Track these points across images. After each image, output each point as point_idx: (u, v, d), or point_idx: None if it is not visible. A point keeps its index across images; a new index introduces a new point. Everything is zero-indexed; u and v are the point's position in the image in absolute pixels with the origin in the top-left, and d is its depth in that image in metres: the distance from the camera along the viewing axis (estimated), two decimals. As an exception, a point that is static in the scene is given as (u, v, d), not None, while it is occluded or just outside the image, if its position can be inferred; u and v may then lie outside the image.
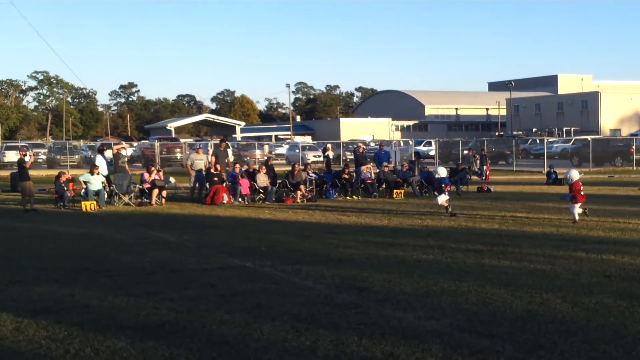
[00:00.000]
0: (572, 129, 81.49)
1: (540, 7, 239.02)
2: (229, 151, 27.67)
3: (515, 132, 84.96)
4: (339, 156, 50.75)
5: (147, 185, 22.96)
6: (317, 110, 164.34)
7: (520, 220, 17.31)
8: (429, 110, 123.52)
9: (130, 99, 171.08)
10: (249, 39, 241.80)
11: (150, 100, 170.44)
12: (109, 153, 26.64)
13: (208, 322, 7.75)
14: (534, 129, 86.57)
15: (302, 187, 24.18)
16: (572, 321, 7.69)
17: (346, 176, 25.76)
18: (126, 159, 26.07)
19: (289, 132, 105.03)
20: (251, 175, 24.70)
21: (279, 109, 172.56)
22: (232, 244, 13.85)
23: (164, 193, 23.10)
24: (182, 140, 66.04)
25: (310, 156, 51.91)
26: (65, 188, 22.52)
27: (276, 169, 27.32)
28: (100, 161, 23.57)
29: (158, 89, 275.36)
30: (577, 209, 16.53)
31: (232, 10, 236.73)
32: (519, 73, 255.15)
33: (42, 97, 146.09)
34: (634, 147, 46.42)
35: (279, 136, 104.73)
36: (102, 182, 22.34)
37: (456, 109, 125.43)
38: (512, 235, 14.49)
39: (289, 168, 27.11)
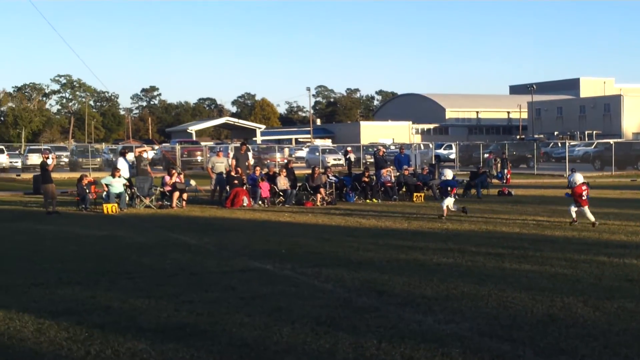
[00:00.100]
0: (594, 132, 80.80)
1: (562, 10, 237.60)
2: (250, 154, 27.81)
3: (536, 136, 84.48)
4: (359, 159, 50.72)
5: (167, 188, 23.07)
6: (337, 113, 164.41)
7: (542, 223, 17.20)
8: (449, 114, 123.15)
9: (151, 103, 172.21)
10: (269, 42, 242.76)
11: (172, 104, 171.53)
12: (130, 156, 26.82)
13: (228, 325, 7.77)
14: (555, 133, 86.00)
15: (322, 190, 24.19)
16: (593, 326, 7.63)
17: (366, 179, 25.75)
18: (148, 162, 26.22)
19: (309, 135, 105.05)
20: (271, 178, 24.76)
21: (299, 112, 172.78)
22: (252, 247, 13.88)
23: (185, 196, 23.20)
24: (202, 143, 66.31)
25: (330, 159, 51.89)
26: (87, 190, 22.70)
27: (296, 172, 27.34)
28: (122, 164, 23.70)
29: (179, 93, 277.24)
30: (588, 212, 16.40)
31: (253, 14, 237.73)
32: (540, 76, 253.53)
33: (64, 100, 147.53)
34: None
35: (299, 139, 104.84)
36: (124, 185, 22.48)
37: (477, 112, 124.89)
38: (533, 239, 14.40)
39: (309, 171, 27.13)
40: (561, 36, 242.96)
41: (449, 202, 18.44)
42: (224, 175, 24.44)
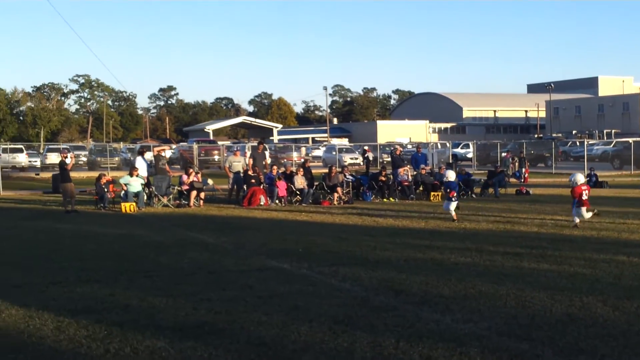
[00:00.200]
0: (613, 131, 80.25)
1: (580, 8, 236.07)
2: (267, 153, 27.83)
3: (554, 135, 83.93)
4: (376, 158, 50.65)
5: (185, 187, 23.17)
6: (354, 112, 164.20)
7: (560, 223, 17.11)
8: (466, 113, 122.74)
9: (169, 102, 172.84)
10: (286, 42, 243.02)
11: (189, 103, 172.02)
12: (148, 155, 26.93)
13: (246, 323, 7.79)
14: (573, 131, 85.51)
15: (339, 189, 24.19)
16: (613, 325, 7.58)
17: (383, 178, 25.72)
18: (166, 161, 26.34)
19: (326, 135, 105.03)
20: (288, 177, 24.78)
21: (316, 112, 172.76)
22: (269, 246, 13.90)
23: (202, 195, 23.28)
24: (220, 143, 66.40)
25: (347, 158, 51.83)
26: (106, 190, 22.82)
27: (313, 171, 27.34)
28: (140, 163, 23.80)
29: (196, 92, 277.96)
30: (585, 213, 16.22)
31: (270, 14, 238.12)
32: (558, 75, 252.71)
33: (83, 100, 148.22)
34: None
35: (316, 138, 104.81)
36: (142, 184, 22.59)
37: (494, 111, 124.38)
38: (552, 239, 14.33)
39: (326, 170, 27.13)
40: (579, 35, 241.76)
41: (453, 206, 17.91)
42: (241, 175, 24.51)
